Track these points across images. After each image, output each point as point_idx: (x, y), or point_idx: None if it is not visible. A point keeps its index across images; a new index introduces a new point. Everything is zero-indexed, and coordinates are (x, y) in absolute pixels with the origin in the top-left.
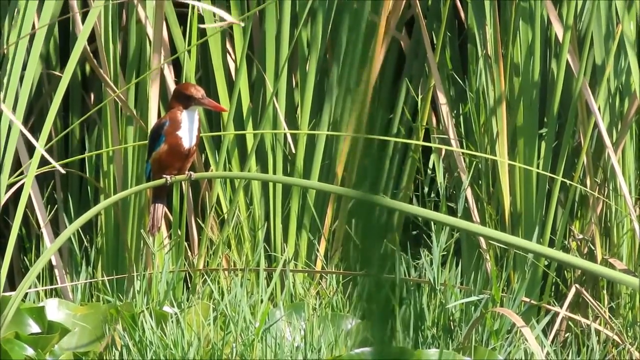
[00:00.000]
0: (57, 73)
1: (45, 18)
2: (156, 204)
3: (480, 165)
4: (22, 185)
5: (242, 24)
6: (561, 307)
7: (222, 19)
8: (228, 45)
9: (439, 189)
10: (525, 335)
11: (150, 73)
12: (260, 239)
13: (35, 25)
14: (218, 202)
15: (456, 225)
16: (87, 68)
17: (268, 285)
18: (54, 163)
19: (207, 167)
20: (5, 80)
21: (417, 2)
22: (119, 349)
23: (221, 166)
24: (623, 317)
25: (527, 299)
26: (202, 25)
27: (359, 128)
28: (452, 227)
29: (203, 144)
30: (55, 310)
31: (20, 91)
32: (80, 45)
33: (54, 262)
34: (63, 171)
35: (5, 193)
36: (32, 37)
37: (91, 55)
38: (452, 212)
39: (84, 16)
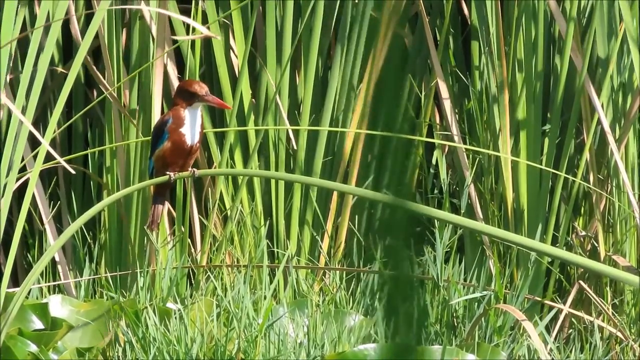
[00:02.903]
0: (60, 69)
1: (60, 13)
2: (157, 201)
3: (483, 162)
4: (25, 180)
5: (218, 37)
6: (564, 303)
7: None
8: (231, 41)
9: (442, 185)
10: (528, 332)
11: (152, 63)
12: (263, 235)
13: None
14: (221, 198)
15: (460, 223)
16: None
17: (271, 282)
18: (62, 162)
19: (210, 163)
20: (13, 80)
21: None
22: (122, 345)
23: (224, 163)
24: (626, 314)
25: (530, 296)
26: (173, 37)
27: (373, 122)
28: (456, 225)
29: (206, 141)
30: (58, 307)
31: (32, 91)
32: (84, 49)
33: (57, 259)
34: (73, 171)
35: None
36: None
37: (89, 60)
38: (455, 208)
39: (88, 17)
